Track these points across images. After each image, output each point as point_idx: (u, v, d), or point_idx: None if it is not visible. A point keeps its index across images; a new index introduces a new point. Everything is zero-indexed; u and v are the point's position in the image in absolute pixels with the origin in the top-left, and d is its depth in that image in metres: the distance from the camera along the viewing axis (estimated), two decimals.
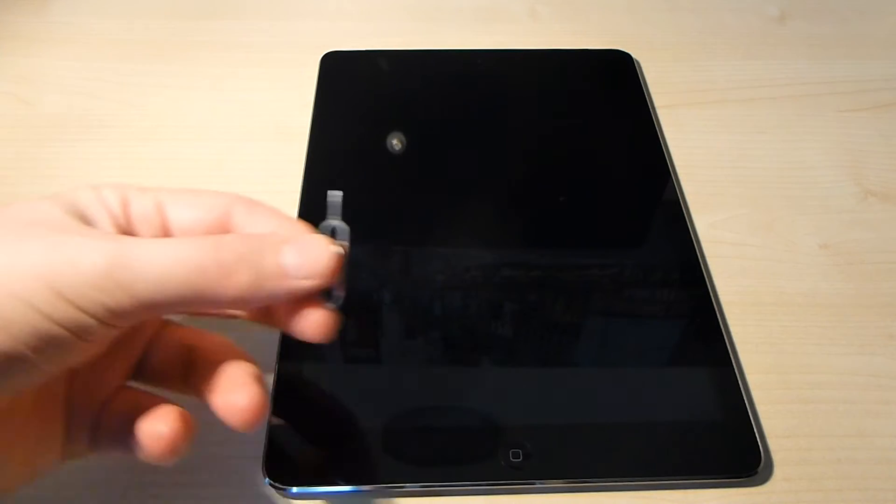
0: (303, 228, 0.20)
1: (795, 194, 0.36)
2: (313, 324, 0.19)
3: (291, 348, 0.28)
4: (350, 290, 0.20)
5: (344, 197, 0.21)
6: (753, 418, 0.27)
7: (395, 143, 0.37)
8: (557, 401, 0.27)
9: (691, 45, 0.44)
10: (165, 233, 0.20)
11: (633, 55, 0.42)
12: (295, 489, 0.24)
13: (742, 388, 0.28)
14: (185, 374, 0.21)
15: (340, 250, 0.19)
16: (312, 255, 0.19)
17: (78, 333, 0.17)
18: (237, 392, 0.19)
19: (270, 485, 0.24)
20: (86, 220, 0.19)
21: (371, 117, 0.38)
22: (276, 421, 0.26)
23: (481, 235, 0.33)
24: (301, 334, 0.20)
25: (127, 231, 0.19)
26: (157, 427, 0.19)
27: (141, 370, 0.21)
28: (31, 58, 0.41)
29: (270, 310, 0.21)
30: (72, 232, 0.17)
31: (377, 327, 0.29)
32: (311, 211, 0.33)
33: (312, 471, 0.25)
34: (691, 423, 0.27)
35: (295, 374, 0.27)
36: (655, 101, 0.40)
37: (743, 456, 0.26)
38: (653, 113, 0.39)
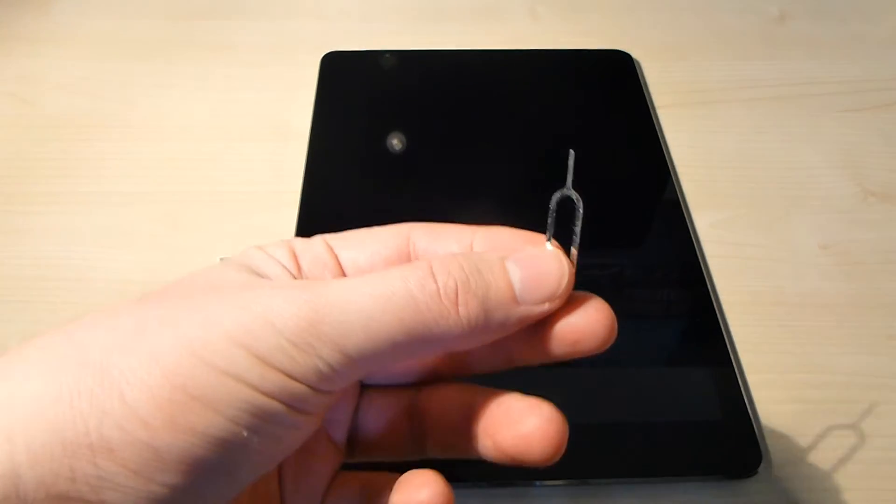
0: (507, 231, 0.17)
1: (795, 194, 0.36)
2: (586, 329, 0.16)
3: None
4: None
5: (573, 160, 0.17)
6: (753, 418, 0.27)
7: (395, 142, 0.37)
8: (558, 401, 0.27)
9: (691, 45, 0.44)
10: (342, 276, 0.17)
11: (633, 55, 0.42)
12: None
13: (742, 388, 0.28)
14: (414, 433, 0.18)
15: (571, 265, 0.16)
16: (542, 270, 0.15)
17: (291, 404, 0.14)
18: (527, 420, 0.16)
19: None
20: (262, 277, 0.16)
21: (371, 117, 0.38)
22: None
23: None
24: (567, 349, 0.16)
25: None
26: (418, 496, 0.16)
27: (354, 446, 0.18)
28: (32, 58, 0.41)
29: (499, 345, 0.17)
30: (257, 287, 0.15)
31: None
32: (312, 211, 0.33)
33: None
34: (691, 423, 0.27)
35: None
36: (655, 101, 0.40)
37: (743, 456, 0.26)
38: (653, 113, 0.39)
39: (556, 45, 0.43)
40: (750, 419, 0.27)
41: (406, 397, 0.18)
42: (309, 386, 0.14)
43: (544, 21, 0.45)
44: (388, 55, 0.41)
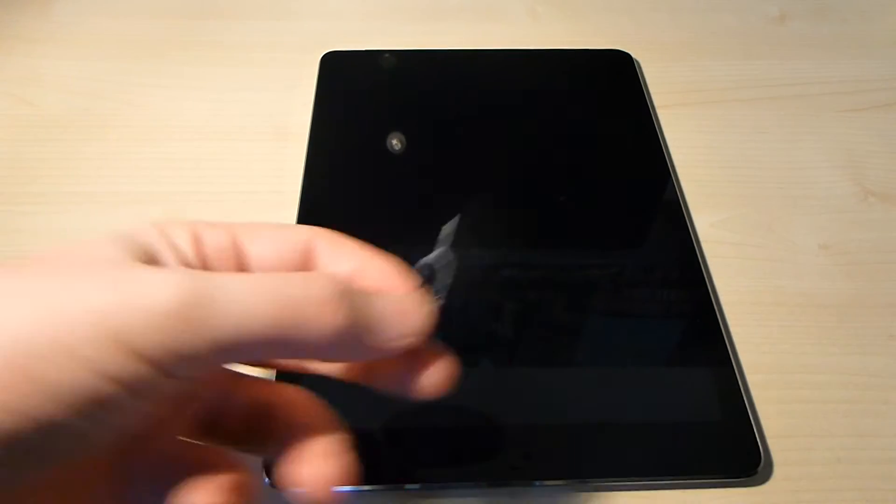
0: (393, 267, 0.18)
1: (795, 194, 0.36)
2: (430, 383, 0.18)
3: None
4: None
5: (456, 223, 0.19)
6: (753, 418, 0.27)
7: (395, 142, 0.37)
8: (558, 401, 0.27)
9: (691, 45, 0.44)
10: (243, 271, 0.17)
11: (633, 55, 0.42)
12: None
13: (742, 388, 0.28)
14: (262, 437, 0.18)
15: (434, 308, 0.17)
16: (408, 309, 0.17)
17: (138, 391, 0.14)
18: (320, 464, 0.17)
19: (271, 485, 0.24)
20: (152, 261, 0.16)
21: (371, 117, 0.38)
22: None
23: (481, 235, 0.33)
24: (413, 393, 0.18)
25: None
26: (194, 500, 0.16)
27: (207, 431, 0.18)
28: (32, 58, 0.41)
29: (367, 368, 0.19)
30: (135, 269, 0.14)
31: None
32: (312, 211, 0.33)
33: None
34: (691, 423, 0.27)
35: (296, 374, 0.27)
36: (655, 101, 0.40)
37: (743, 456, 0.26)
38: (653, 113, 0.39)
39: (556, 45, 0.43)
40: (750, 419, 0.27)
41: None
42: (165, 372, 0.14)
43: (544, 21, 0.45)
44: (388, 55, 0.41)
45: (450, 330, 0.29)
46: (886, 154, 0.38)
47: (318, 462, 0.17)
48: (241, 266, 0.17)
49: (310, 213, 0.33)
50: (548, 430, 0.26)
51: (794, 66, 0.43)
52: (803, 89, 0.41)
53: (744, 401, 0.27)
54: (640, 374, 0.28)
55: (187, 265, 0.16)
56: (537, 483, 0.25)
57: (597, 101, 0.40)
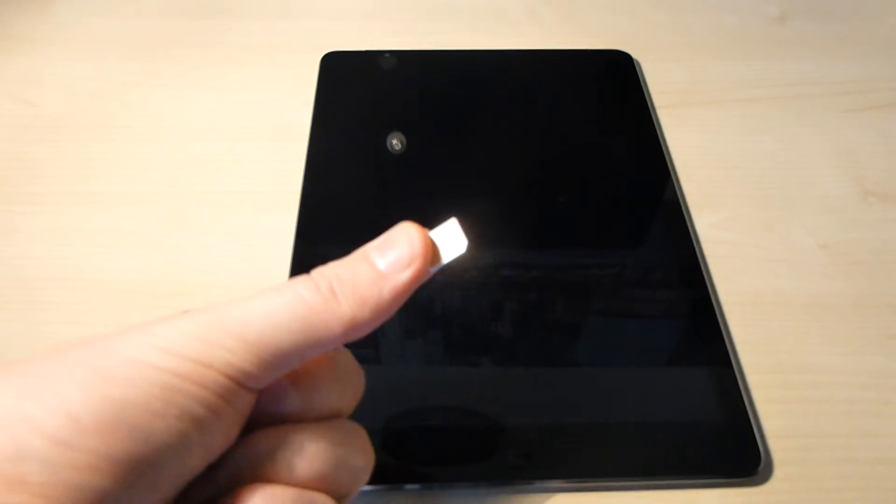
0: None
1: (795, 194, 0.36)
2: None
3: None
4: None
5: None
6: (753, 418, 0.27)
7: (395, 143, 0.37)
8: (558, 401, 0.27)
9: (691, 45, 0.44)
10: None
11: (633, 55, 0.42)
12: None
13: (742, 388, 0.28)
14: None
15: (421, 230, 0.18)
16: (398, 242, 0.17)
17: (226, 396, 0.15)
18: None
19: None
20: None
21: (371, 117, 0.38)
22: None
23: (481, 235, 0.33)
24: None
25: None
26: None
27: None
28: (32, 58, 0.41)
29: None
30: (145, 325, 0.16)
31: (377, 327, 0.29)
32: (312, 211, 0.33)
33: None
34: (691, 424, 0.27)
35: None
36: (655, 101, 0.40)
37: (743, 456, 0.26)
38: (653, 113, 0.39)
39: (556, 45, 0.43)
40: (750, 419, 0.27)
41: None
42: (231, 379, 0.15)
43: (544, 21, 0.45)
44: (388, 55, 0.41)
45: (450, 330, 0.30)
46: (886, 154, 0.38)
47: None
48: None
49: (310, 212, 0.33)
50: (548, 430, 0.26)
51: (794, 66, 0.43)
52: (803, 89, 0.41)
53: (744, 401, 0.27)
54: (639, 374, 0.28)
55: None
56: (537, 483, 0.25)
57: (597, 101, 0.40)
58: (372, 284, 0.17)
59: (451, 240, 0.18)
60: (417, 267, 0.17)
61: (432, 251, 0.18)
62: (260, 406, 0.17)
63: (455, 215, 0.19)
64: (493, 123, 0.38)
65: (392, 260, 0.17)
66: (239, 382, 0.16)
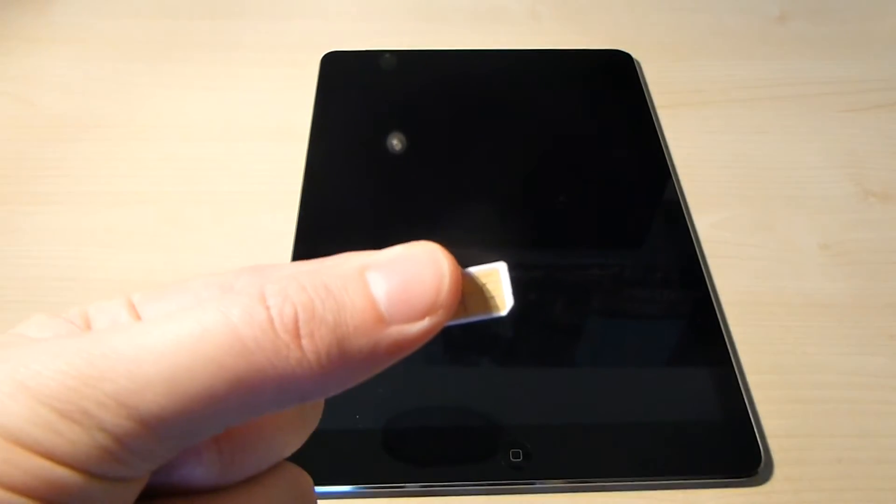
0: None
1: (795, 194, 0.36)
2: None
3: None
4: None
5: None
6: (753, 418, 0.27)
7: (395, 143, 0.37)
8: (558, 401, 0.27)
9: (691, 45, 0.44)
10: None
11: (633, 55, 0.42)
12: None
13: (742, 388, 0.28)
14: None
15: (451, 260, 0.12)
16: (418, 275, 0.11)
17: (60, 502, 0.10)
18: None
19: None
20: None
21: (371, 117, 0.38)
22: None
23: (481, 235, 0.33)
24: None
25: None
26: None
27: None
28: (32, 58, 0.41)
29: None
30: (9, 345, 0.11)
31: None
32: (312, 211, 0.33)
33: (312, 470, 0.25)
34: (691, 423, 0.27)
35: None
36: (655, 101, 0.40)
37: (743, 456, 0.26)
38: (653, 113, 0.39)
39: (556, 45, 0.43)
40: (750, 419, 0.27)
41: None
42: (88, 473, 0.10)
43: (544, 21, 0.45)
44: (388, 55, 0.41)
45: (450, 330, 0.30)
46: (886, 154, 0.38)
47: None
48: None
49: (310, 212, 0.33)
50: (548, 430, 0.26)
51: (794, 66, 0.43)
52: (803, 89, 0.41)
53: (744, 401, 0.27)
54: (640, 374, 0.28)
55: None
56: (537, 483, 0.25)
57: (597, 101, 0.40)
58: (365, 330, 0.11)
59: (492, 290, 0.13)
60: (437, 321, 0.12)
61: (461, 298, 0.12)
62: (157, 476, 0.12)
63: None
64: (493, 123, 0.38)
65: (403, 299, 0.11)
66: (111, 478, 0.10)
